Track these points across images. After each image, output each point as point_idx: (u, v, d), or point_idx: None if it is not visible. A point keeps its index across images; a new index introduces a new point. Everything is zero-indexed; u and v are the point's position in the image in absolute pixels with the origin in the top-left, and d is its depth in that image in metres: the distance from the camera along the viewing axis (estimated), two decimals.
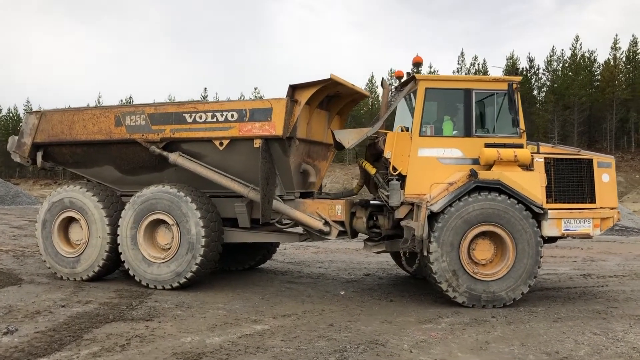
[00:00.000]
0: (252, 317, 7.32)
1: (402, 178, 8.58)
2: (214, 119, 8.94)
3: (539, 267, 8.20)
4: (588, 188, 8.74)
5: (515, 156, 8.30)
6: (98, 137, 9.61)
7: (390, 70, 77.44)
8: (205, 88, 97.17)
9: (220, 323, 6.98)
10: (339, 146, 9.82)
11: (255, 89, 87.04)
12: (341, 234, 9.13)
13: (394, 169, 8.54)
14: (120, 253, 9.27)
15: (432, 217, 8.05)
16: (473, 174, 8.14)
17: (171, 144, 9.32)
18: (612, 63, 72.76)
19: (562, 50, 78.73)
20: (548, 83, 76.97)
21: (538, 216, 8.22)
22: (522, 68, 76.38)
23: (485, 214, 8.04)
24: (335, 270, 11.33)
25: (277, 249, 11.77)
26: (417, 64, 9.10)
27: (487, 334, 6.69)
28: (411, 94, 9.09)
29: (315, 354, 5.77)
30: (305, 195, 9.62)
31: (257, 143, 8.69)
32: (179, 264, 8.87)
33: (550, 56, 75.23)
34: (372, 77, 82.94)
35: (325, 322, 7.13)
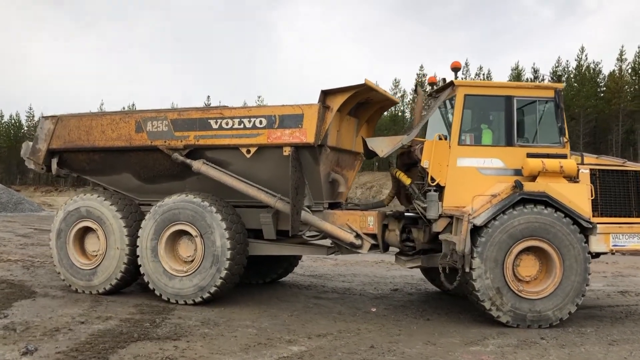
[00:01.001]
0: (285, 337, 6.84)
1: (439, 189, 8.13)
2: (241, 126, 8.50)
3: (587, 285, 7.73)
4: (636, 201, 8.29)
5: (561, 167, 7.86)
6: (117, 143, 9.17)
7: (395, 80, 77.44)
8: (209, 96, 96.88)
9: (253, 343, 6.50)
10: (369, 155, 9.38)
11: (259, 97, 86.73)
12: (373, 247, 8.65)
13: (432, 179, 8.08)
14: (140, 265, 8.80)
15: (475, 231, 7.59)
16: (518, 186, 7.69)
17: (195, 152, 8.87)
18: (617, 74, 72.43)
19: (567, 61, 78.55)
20: None
21: (585, 231, 7.76)
22: (527, 79, 76.10)
23: (531, 228, 7.58)
24: (361, 285, 10.84)
25: (299, 261, 11.28)
26: (456, 69, 8.65)
27: (541, 357, 6.21)
28: (447, 101, 8.65)
29: None
30: (332, 206, 9.17)
31: (287, 151, 8.24)
32: (203, 277, 8.40)
33: (556, 67, 74.89)
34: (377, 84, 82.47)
35: (365, 343, 6.65)
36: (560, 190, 7.76)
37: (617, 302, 9.60)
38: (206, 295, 8.41)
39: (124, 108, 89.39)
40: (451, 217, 8.01)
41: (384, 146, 8.48)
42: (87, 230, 9.30)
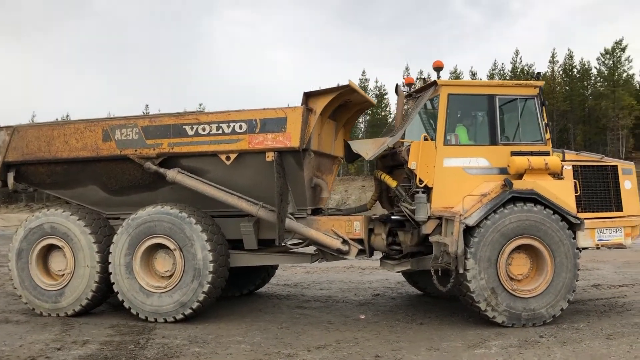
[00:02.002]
0: (283, 351, 6.49)
1: (427, 190, 7.99)
2: (220, 131, 8.10)
3: (577, 281, 7.77)
4: (615, 196, 8.44)
5: (546, 164, 7.88)
6: (83, 154, 8.56)
7: (339, 85, 78.02)
8: (147, 105, 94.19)
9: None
10: (350, 158, 9.19)
11: (200, 104, 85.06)
12: (360, 252, 8.42)
13: (420, 180, 7.94)
14: (113, 283, 8.23)
15: (467, 231, 7.48)
16: (508, 184, 7.65)
17: (168, 160, 8.39)
18: (550, 76, 75.52)
19: (502, 64, 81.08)
20: None
21: (573, 227, 7.80)
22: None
23: (522, 226, 7.54)
24: (340, 292, 10.58)
25: (276, 271, 10.92)
26: (438, 68, 8.57)
27: (549, 357, 6.13)
28: (429, 101, 8.55)
29: None
30: (314, 212, 8.88)
31: (270, 156, 7.91)
32: (184, 293, 7.93)
33: (493, 69, 77.34)
34: None
35: (369, 352, 6.39)
36: (547, 187, 7.78)
37: (594, 295, 9.74)
38: (188, 311, 7.94)
39: (57, 120, 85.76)
40: (440, 218, 7.89)
41: (368, 149, 8.27)
42: (51, 248, 8.63)
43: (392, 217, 8.38)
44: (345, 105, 8.96)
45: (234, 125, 8.05)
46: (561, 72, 75.32)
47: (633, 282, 11.16)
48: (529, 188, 7.71)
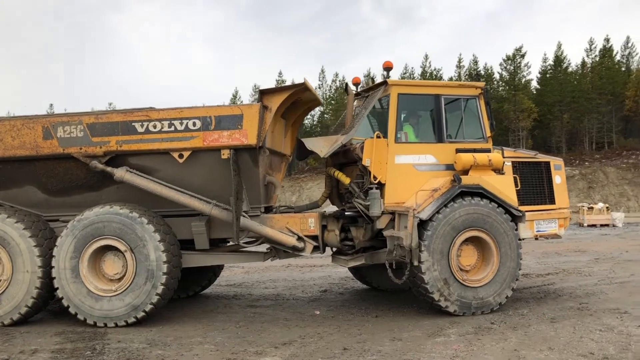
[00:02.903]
0: (250, 349, 6.45)
1: (380, 186, 8.21)
2: (172, 128, 7.90)
3: (520, 270, 8.27)
4: (548, 190, 9.07)
5: (490, 160, 8.34)
6: (20, 152, 8.05)
7: (255, 85, 77.38)
8: (52, 104, 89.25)
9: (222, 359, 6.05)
10: (301, 156, 9.25)
11: (110, 103, 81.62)
12: (314, 249, 8.50)
13: (374, 177, 8.14)
14: (56, 288, 7.80)
15: (420, 225, 7.77)
16: (457, 179, 8.02)
17: (115, 158, 8.07)
18: (456, 79, 79.23)
19: (412, 67, 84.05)
20: None
21: (515, 219, 8.30)
22: None
23: (470, 219, 7.94)
24: (287, 289, 10.61)
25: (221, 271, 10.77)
26: (388, 68, 8.82)
27: (505, 342, 6.50)
28: (378, 101, 8.77)
29: None
30: (265, 210, 8.86)
31: (226, 154, 7.82)
32: (136, 295, 7.66)
33: (404, 73, 79.93)
34: (237, 92, 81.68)
35: (335, 346, 6.49)
36: (491, 182, 8.23)
37: (527, 284, 10.39)
38: (141, 314, 7.67)
39: None
40: (393, 213, 8.13)
41: (321, 146, 8.37)
42: None
43: (346, 213, 8.53)
44: (294, 104, 9.01)
45: (187, 122, 7.88)
46: (467, 77, 79.06)
47: (556, 271, 12.01)
48: (476, 183, 8.12)
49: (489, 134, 8.71)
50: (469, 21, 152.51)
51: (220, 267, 10.53)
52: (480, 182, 8.14)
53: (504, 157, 8.68)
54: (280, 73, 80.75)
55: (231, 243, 9.08)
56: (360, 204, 8.28)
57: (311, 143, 8.53)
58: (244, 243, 8.75)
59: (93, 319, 7.70)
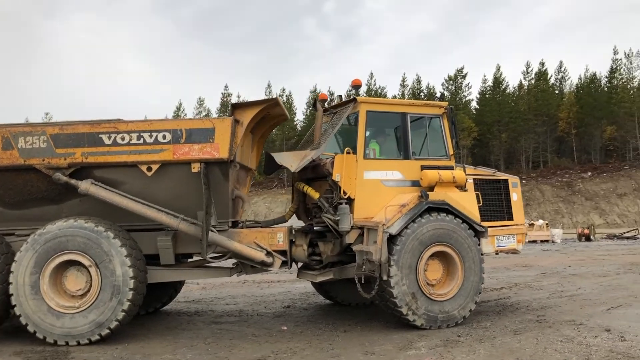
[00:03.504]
0: None
1: (349, 201, 8.32)
2: (141, 141, 7.77)
3: (482, 283, 8.54)
4: (506, 206, 9.43)
5: (454, 177, 8.60)
6: None
7: (199, 98, 76.64)
8: None
9: None
10: (269, 170, 9.26)
11: (47, 113, 78.84)
12: (283, 264, 8.49)
13: (344, 192, 8.24)
14: (14, 306, 7.46)
15: (389, 240, 7.91)
16: (424, 196, 8.22)
17: (80, 170, 7.85)
18: (400, 98, 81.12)
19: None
20: None
21: (478, 234, 8.57)
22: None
23: (437, 235, 8.15)
24: (248, 306, 10.51)
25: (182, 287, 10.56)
26: (357, 86, 9.00)
27: (474, 354, 6.69)
28: (348, 117, 8.91)
29: None
30: (232, 224, 8.79)
31: (196, 167, 7.75)
32: (101, 312, 7.42)
33: (350, 91, 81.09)
34: (180, 105, 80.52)
35: None
36: (456, 198, 8.48)
37: (484, 298, 10.69)
38: (105, 331, 7.44)
39: None
40: (362, 228, 8.25)
41: (292, 161, 8.41)
42: None
43: (315, 228, 8.59)
44: (263, 118, 9.03)
45: (157, 135, 7.77)
46: (410, 95, 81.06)
47: (509, 285, 12.45)
48: (441, 199, 8.35)
49: (451, 152, 8.99)
50: (410, 41, 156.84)
51: (181, 283, 10.34)
52: (445, 198, 8.38)
53: (467, 174, 8.97)
54: (226, 86, 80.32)
55: (196, 258, 8.95)
56: (330, 218, 8.35)
57: (281, 158, 8.56)
58: (210, 258, 8.63)
59: (53, 337, 7.40)
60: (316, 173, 8.80)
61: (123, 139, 7.76)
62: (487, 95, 77.48)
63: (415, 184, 8.62)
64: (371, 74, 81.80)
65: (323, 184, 8.72)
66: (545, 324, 8.17)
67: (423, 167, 8.66)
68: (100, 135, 7.76)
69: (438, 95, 77.43)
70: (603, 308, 9.41)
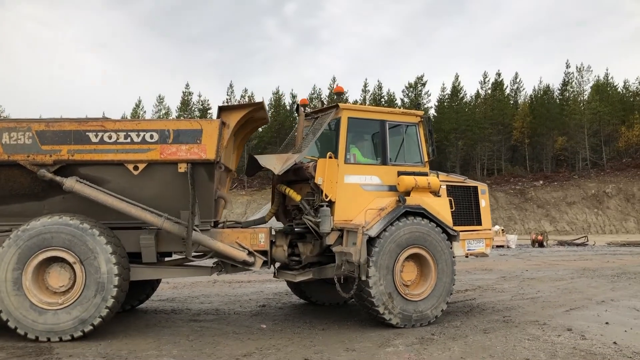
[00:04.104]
0: None
1: (330, 204, 8.61)
2: (128, 140, 7.86)
3: (453, 285, 8.97)
4: (475, 212, 9.91)
5: (429, 183, 9.02)
6: None
7: (159, 96, 75.64)
8: None
9: None
10: (250, 172, 9.47)
11: (2, 111, 76.12)
12: (263, 264, 8.72)
13: (326, 195, 8.54)
14: None
15: (368, 242, 8.24)
16: (402, 200, 8.59)
17: (64, 168, 7.88)
18: (361, 103, 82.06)
19: (320, 89, 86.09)
20: None
21: (450, 238, 9.00)
22: (286, 103, 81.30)
23: (413, 237, 8.53)
24: (224, 305, 10.67)
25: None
26: (339, 93, 9.33)
27: (449, 351, 7.07)
28: (329, 123, 9.20)
29: None
30: (213, 225, 8.95)
31: (183, 167, 7.89)
32: (85, 308, 7.48)
33: (312, 93, 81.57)
34: (140, 101, 79.17)
35: (295, 357, 6.75)
36: (431, 203, 8.90)
37: (451, 299, 11.09)
38: (88, 328, 7.50)
39: None
40: (341, 230, 8.56)
41: (275, 164, 8.65)
42: None
43: (296, 229, 8.84)
44: (246, 121, 9.25)
45: (145, 135, 7.88)
46: (371, 101, 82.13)
47: (472, 287, 12.99)
48: (417, 204, 8.75)
49: (426, 158, 9.40)
50: (369, 45, 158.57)
51: (158, 282, 10.42)
52: (421, 203, 8.78)
53: (440, 181, 9.39)
54: (187, 85, 79.39)
55: (175, 257, 9.08)
56: (310, 220, 8.62)
57: (265, 160, 8.78)
58: (192, 257, 8.77)
59: (35, 333, 7.42)
60: (297, 176, 9.06)
61: (110, 137, 7.85)
62: (445, 104, 79.25)
63: (392, 188, 8.99)
64: (333, 77, 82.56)
65: (304, 186, 8.99)
66: (511, 324, 8.65)
67: (400, 173, 9.03)
68: (87, 133, 7.82)
69: (402, 103, 78.64)
70: (563, 309, 10.00)
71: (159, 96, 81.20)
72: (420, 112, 9.54)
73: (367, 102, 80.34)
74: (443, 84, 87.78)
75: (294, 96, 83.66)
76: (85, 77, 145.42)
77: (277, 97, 79.86)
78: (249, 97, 77.06)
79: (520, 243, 36.25)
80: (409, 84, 78.65)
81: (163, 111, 76.12)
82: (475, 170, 75.41)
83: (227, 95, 78.87)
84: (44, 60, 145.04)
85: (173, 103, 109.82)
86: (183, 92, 76.30)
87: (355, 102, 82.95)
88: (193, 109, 74.56)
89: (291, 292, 11.32)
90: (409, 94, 77.83)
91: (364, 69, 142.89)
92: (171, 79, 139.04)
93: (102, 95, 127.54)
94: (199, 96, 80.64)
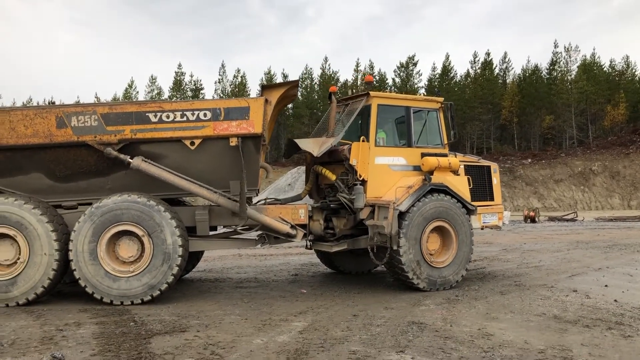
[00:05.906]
0: (273, 318, 7.56)
1: (363, 183, 9.63)
2: (184, 118, 8.79)
3: (472, 254, 10.07)
4: (489, 189, 11.00)
5: (450, 164, 10.06)
6: (33, 140, 8.55)
7: (152, 76, 75.31)
8: None
9: (259, 324, 7.14)
10: (289, 153, 10.43)
11: None
12: (303, 236, 9.73)
13: (359, 175, 9.55)
14: (74, 270, 8.40)
15: (399, 215, 9.28)
16: (428, 179, 9.63)
17: (129, 146, 8.81)
18: (353, 83, 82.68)
19: (311, 68, 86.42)
20: (301, 99, 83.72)
21: (469, 212, 10.07)
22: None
23: (437, 212, 9.59)
24: (260, 274, 11.72)
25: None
26: (369, 82, 10.27)
27: (475, 308, 8.17)
28: (361, 109, 10.14)
29: (401, 333, 6.51)
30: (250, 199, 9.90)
31: (234, 141, 8.82)
32: (153, 276, 8.47)
33: (304, 73, 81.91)
34: (133, 82, 79.18)
35: (344, 314, 7.80)
36: (452, 181, 9.95)
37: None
38: (156, 292, 8.50)
39: None
40: (373, 205, 9.59)
41: (313, 147, 9.63)
42: None
43: (331, 205, 9.87)
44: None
45: (199, 113, 8.81)
46: (362, 80, 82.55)
47: (480, 258, 14.17)
48: (440, 182, 9.79)
49: (446, 141, 10.43)
50: (355, 24, 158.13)
51: (202, 253, 11.39)
52: (444, 181, 9.83)
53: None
54: (179, 65, 79.54)
55: (220, 230, 10.08)
56: (345, 197, 9.65)
57: (304, 144, 9.76)
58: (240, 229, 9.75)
59: (110, 298, 8.40)
60: (332, 157, 10.04)
61: (168, 117, 8.76)
62: (435, 83, 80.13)
63: (417, 168, 10.02)
64: (325, 57, 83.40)
65: (337, 167, 9.98)
66: (523, 287, 9.80)
67: (423, 154, 10.06)
68: (147, 114, 8.73)
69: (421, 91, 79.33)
70: (565, 275, 11.17)
71: (152, 76, 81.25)
72: (441, 99, 10.53)
73: (359, 82, 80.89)
74: (434, 64, 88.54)
75: (285, 76, 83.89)
76: (65, 57, 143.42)
77: (269, 78, 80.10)
78: (241, 77, 77.32)
79: (512, 219, 37.63)
80: (400, 63, 79.36)
81: (155, 91, 76.33)
82: (465, 149, 76.59)
83: (220, 75, 79.01)
84: (19, 37, 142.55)
85: (162, 83, 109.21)
86: (175, 73, 76.42)
87: (346, 82, 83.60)
88: (185, 89, 74.86)
89: (317, 263, 12.38)
90: (400, 74, 78.55)
91: (352, 47, 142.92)
92: (157, 58, 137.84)
93: (80, 71, 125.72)
94: (191, 76, 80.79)
